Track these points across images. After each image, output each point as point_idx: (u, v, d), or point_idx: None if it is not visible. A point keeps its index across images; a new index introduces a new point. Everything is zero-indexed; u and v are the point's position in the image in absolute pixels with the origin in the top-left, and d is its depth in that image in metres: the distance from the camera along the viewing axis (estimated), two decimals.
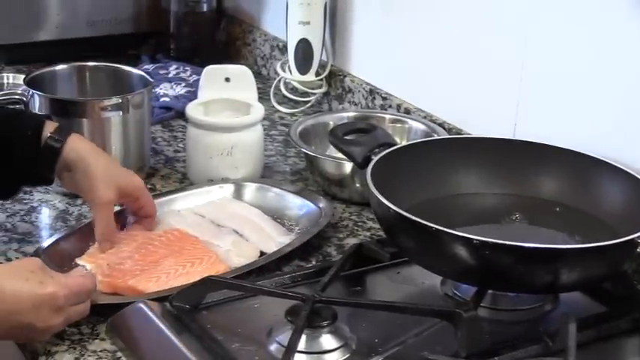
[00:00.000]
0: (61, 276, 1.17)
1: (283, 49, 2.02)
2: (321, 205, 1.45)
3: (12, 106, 1.48)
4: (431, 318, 1.16)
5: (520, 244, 1.11)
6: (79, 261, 1.31)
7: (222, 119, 1.57)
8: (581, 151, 1.34)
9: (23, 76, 1.64)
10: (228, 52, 2.24)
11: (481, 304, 1.17)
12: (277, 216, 1.47)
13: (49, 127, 1.33)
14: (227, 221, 1.42)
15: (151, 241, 1.34)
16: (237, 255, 1.33)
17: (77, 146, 1.32)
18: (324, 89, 1.94)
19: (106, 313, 1.21)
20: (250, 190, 1.52)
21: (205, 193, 1.50)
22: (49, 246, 1.34)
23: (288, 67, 1.95)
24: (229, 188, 1.52)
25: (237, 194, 1.51)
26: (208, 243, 1.36)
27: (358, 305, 1.22)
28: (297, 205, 1.48)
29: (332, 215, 1.45)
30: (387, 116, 1.71)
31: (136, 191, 1.36)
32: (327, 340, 1.13)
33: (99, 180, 1.31)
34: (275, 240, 1.37)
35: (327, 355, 1.12)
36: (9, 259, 1.35)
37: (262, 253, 1.35)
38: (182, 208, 1.46)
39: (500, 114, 1.56)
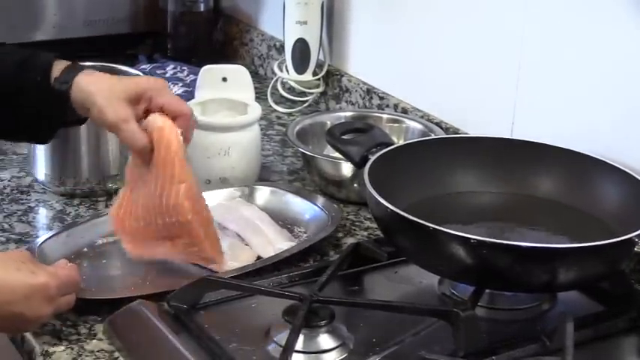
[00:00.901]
0: (50, 267, 1.17)
1: (280, 49, 2.02)
2: (333, 213, 1.43)
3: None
4: (428, 317, 1.16)
5: (517, 243, 1.11)
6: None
7: (219, 119, 1.57)
8: (579, 151, 1.34)
9: None
10: (225, 52, 2.24)
11: (479, 304, 1.17)
12: (288, 222, 1.45)
13: (57, 69, 1.29)
14: (232, 224, 1.41)
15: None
16: (231, 259, 1.32)
17: (83, 84, 1.27)
18: (321, 89, 1.94)
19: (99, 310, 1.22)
20: (263, 193, 1.51)
21: (218, 195, 1.49)
22: (41, 244, 1.34)
23: (286, 66, 1.95)
24: (243, 191, 1.51)
25: (250, 197, 1.50)
26: None
27: (356, 305, 1.22)
28: (307, 211, 1.46)
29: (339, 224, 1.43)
30: (385, 116, 1.71)
31: (144, 92, 1.28)
32: (325, 340, 1.13)
33: (104, 100, 1.25)
34: (274, 246, 1.36)
35: (324, 355, 1.12)
36: None
37: (260, 258, 1.35)
38: None
39: (497, 113, 1.56)
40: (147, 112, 1.28)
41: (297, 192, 1.51)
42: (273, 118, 1.91)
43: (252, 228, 1.40)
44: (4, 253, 1.24)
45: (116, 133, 1.27)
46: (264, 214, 1.44)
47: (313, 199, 1.48)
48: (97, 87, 1.27)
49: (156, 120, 1.26)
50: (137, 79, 1.32)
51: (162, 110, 1.28)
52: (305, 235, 1.42)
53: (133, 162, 1.30)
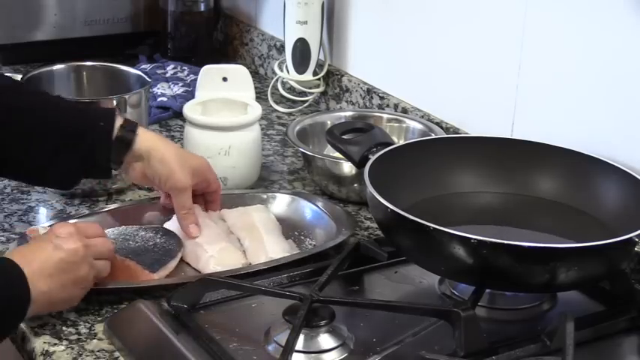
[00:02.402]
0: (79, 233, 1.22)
1: (281, 49, 2.02)
2: (343, 229, 1.40)
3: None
4: (429, 317, 1.16)
5: (518, 243, 1.11)
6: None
7: (219, 119, 1.57)
8: (579, 150, 1.34)
9: (21, 76, 1.64)
10: (225, 52, 2.24)
11: (479, 304, 1.17)
12: (303, 233, 1.43)
13: (119, 119, 1.35)
14: (238, 229, 1.41)
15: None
16: (216, 263, 1.32)
17: (147, 137, 1.35)
18: (321, 89, 1.94)
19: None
20: (284, 201, 1.50)
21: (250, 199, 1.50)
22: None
23: (286, 66, 1.95)
24: (265, 197, 1.50)
25: (271, 204, 1.49)
26: (198, 245, 1.35)
27: (356, 305, 1.22)
28: (321, 224, 1.44)
29: (347, 240, 1.38)
30: (385, 116, 1.71)
31: (206, 172, 1.40)
32: (325, 340, 1.13)
33: (176, 166, 1.35)
34: (267, 254, 1.35)
35: (324, 355, 1.12)
36: None
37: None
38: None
39: (497, 113, 1.56)
40: None
41: (317, 203, 1.48)
42: (274, 118, 1.91)
43: (253, 236, 1.39)
44: (40, 236, 1.26)
45: (173, 195, 1.37)
46: (272, 223, 1.42)
47: (331, 212, 1.45)
48: (166, 146, 1.36)
49: None
50: (200, 157, 1.41)
51: (209, 188, 1.41)
52: (312, 246, 1.40)
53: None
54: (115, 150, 1.34)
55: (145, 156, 1.35)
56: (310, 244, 1.41)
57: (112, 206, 1.47)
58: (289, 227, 1.44)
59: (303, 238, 1.42)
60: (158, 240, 1.37)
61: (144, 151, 1.35)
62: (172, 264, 1.33)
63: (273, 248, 1.36)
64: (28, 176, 1.40)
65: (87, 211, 1.47)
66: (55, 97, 1.41)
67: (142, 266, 1.30)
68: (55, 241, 1.18)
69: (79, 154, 1.33)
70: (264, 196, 1.50)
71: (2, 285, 1.13)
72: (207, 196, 1.43)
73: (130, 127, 1.34)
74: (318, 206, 1.47)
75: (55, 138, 1.32)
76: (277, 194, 1.51)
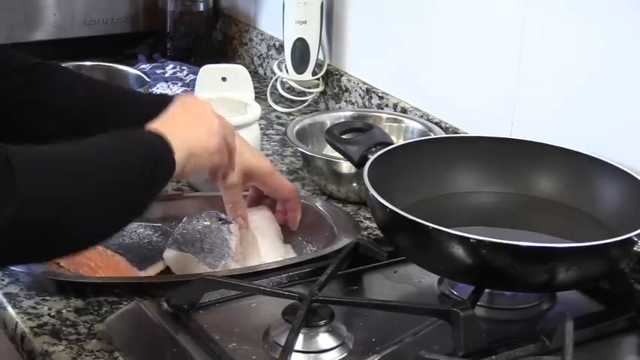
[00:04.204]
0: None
1: (280, 49, 2.02)
2: (345, 237, 1.37)
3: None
4: (428, 317, 1.16)
5: (517, 242, 1.11)
6: None
7: None
8: (578, 150, 1.34)
9: None
10: (224, 52, 2.24)
11: (478, 303, 1.17)
12: (307, 238, 1.42)
13: None
14: (235, 229, 1.40)
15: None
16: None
17: None
18: (320, 88, 1.94)
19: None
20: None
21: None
22: None
23: (285, 66, 1.95)
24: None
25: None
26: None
27: (355, 304, 1.22)
28: (326, 230, 1.42)
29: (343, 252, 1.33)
30: (384, 115, 1.71)
31: (265, 176, 1.39)
32: (324, 340, 1.13)
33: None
34: (261, 259, 1.34)
35: (324, 355, 1.12)
36: None
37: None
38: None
39: (497, 113, 1.56)
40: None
41: (325, 208, 1.46)
42: (273, 118, 1.91)
43: (249, 238, 1.38)
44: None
45: (222, 192, 1.37)
46: (271, 227, 1.40)
47: (338, 218, 1.44)
48: None
49: None
50: (262, 160, 1.40)
51: (274, 193, 1.41)
52: (311, 250, 1.40)
53: None
54: None
55: None
56: (311, 250, 1.40)
57: None
58: (290, 232, 1.43)
59: (305, 243, 1.41)
60: (155, 238, 1.37)
61: None
62: (163, 263, 1.33)
63: (268, 253, 1.35)
64: None
65: None
66: (127, 89, 1.44)
67: (130, 262, 1.30)
68: (182, 103, 1.25)
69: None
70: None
71: (145, 145, 1.17)
72: (284, 204, 1.42)
73: None
74: (319, 209, 1.46)
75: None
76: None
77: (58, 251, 1.13)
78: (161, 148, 1.16)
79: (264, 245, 1.37)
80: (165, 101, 1.34)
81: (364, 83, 1.85)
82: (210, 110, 1.26)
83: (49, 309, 1.25)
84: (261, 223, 1.40)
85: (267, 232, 1.39)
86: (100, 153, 1.13)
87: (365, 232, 1.46)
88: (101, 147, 1.14)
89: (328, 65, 1.94)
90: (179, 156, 1.17)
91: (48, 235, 1.05)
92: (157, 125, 1.18)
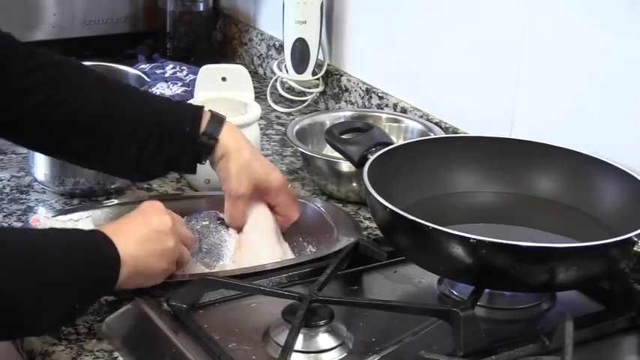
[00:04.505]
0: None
1: (280, 49, 2.02)
2: (344, 236, 1.37)
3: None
4: (428, 317, 1.16)
5: (517, 242, 1.11)
6: None
7: None
8: (578, 150, 1.34)
9: None
10: (224, 52, 2.24)
11: (478, 303, 1.17)
12: (307, 239, 1.41)
13: (205, 120, 1.36)
14: (233, 231, 1.40)
15: None
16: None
17: (226, 142, 1.36)
18: (320, 88, 1.94)
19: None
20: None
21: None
22: None
23: (285, 66, 1.95)
24: None
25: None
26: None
27: (355, 304, 1.22)
28: (326, 231, 1.41)
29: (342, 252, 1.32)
30: (384, 115, 1.71)
31: (272, 190, 1.39)
32: (324, 340, 1.13)
33: (233, 175, 1.35)
34: (257, 258, 1.32)
35: (324, 355, 1.12)
36: None
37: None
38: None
39: (496, 113, 1.56)
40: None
41: (325, 208, 1.46)
42: (273, 118, 1.91)
43: (244, 236, 1.38)
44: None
45: (225, 200, 1.37)
46: (268, 224, 1.39)
47: (338, 218, 1.43)
48: (239, 151, 1.36)
49: None
50: (273, 174, 1.39)
51: (278, 209, 1.40)
52: (310, 252, 1.39)
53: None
54: (197, 154, 1.36)
55: (218, 160, 1.36)
56: (311, 250, 1.39)
57: (114, 201, 1.47)
58: (290, 232, 1.43)
59: (306, 244, 1.41)
60: None
61: (218, 156, 1.36)
62: None
63: (264, 250, 1.35)
64: (110, 170, 1.43)
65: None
66: (142, 93, 1.43)
67: None
68: (144, 214, 1.21)
69: (165, 156, 1.35)
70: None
71: (93, 249, 1.14)
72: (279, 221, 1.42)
73: (213, 131, 1.35)
74: (319, 209, 1.46)
75: (143, 138, 1.34)
76: None
77: None
78: (106, 262, 1.15)
79: (261, 242, 1.36)
80: (176, 109, 1.36)
81: (364, 83, 1.85)
82: (168, 228, 1.21)
83: None
84: (259, 220, 1.39)
85: (265, 229, 1.38)
86: (42, 254, 1.11)
87: (365, 232, 1.46)
88: (45, 247, 1.12)
89: (328, 65, 1.94)
90: (124, 271, 1.16)
91: None
92: (111, 231, 1.16)
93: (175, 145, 1.34)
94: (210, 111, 1.38)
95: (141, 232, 1.19)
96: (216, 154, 1.35)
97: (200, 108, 1.38)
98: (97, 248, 1.14)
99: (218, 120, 1.37)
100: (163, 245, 1.20)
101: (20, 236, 1.15)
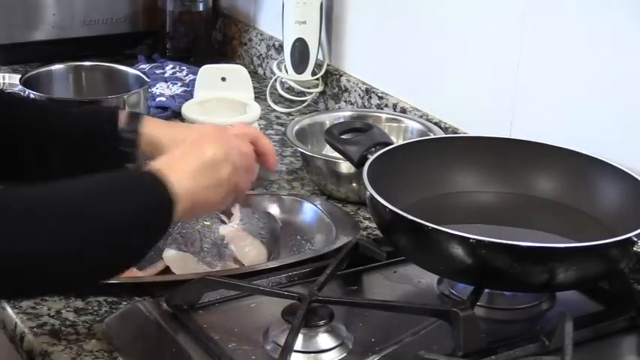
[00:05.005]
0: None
1: (279, 49, 2.02)
2: (343, 236, 1.37)
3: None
4: (427, 317, 1.16)
5: (516, 242, 1.11)
6: None
7: (218, 119, 1.57)
8: (578, 150, 1.34)
9: (19, 76, 1.65)
10: (224, 52, 2.24)
11: (478, 303, 1.17)
12: (305, 237, 1.42)
13: (122, 118, 1.30)
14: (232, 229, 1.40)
15: None
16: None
17: (151, 134, 1.29)
18: (320, 88, 1.94)
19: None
20: (284, 204, 1.48)
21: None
22: None
23: (284, 66, 1.95)
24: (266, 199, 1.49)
25: (270, 207, 1.47)
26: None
27: (355, 304, 1.22)
28: (321, 230, 1.42)
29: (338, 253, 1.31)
30: (384, 115, 1.71)
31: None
32: (324, 340, 1.12)
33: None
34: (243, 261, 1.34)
35: (323, 355, 1.12)
36: None
37: None
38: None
39: (496, 113, 1.56)
40: None
41: (325, 207, 1.46)
42: (272, 118, 1.91)
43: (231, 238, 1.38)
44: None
45: None
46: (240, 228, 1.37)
47: (337, 218, 1.43)
48: (167, 135, 1.28)
49: None
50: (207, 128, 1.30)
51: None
52: (309, 250, 1.39)
53: None
54: (125, 151, 1.30)
55: (155, 151, 1.28)
56: (310, 249, 1.40)
57: None
58: (289, 231, 1.43)
59: (304, 242, 1.41)
60: None
61: (149, 152, 1.29)
62: (162, 263, 1.33)
63: (249, 254, 1.35)
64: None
65: None
66: (61, 103, 1.40)
67: None
68: (197, 144, 1.16)
69: (92, 162, 1.30)
70: (264, 198, 1.50)
71: (150, 191, 1.10)
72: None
73: (131, 127, 1.29)
74: (318, 208, 1.46)
75: (69, 149, 1.30)
76: (276, 196, 1.50)
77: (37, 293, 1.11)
78: (163, 202, 1.09)
79: (239, 247, 1.36)
80: (93, 114, 1.31)
81: (364, 83, 1.85)
82: (221, 157, 1.16)
83: (49, 309, 1.25)
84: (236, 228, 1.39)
85: (250, 237, 1.37)
86: (91, 202, 1.06)
87: (364, 232, 1.46)
88: (94, 194, 1.07)
89: (328, 65, 1.94)
90: (180, 208, 1.10)
91: (19, 287, 1.02)
92: (164, 167, 1.11)
93: (99, 150, 1.29)
94: (129, 110, 1.32)
95: (194, 165, 1.13)
96: (144, 150, 1.29)
97: (116, 108, 1.33)
98: (153, 190, 1.09)
99: (135, 115, 1.31)
100: (218, 176, 1.15)
101: (74, 185, 1.08)
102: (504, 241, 1.11)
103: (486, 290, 1.20)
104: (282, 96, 1.97)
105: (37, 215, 1.01)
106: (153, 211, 1.09)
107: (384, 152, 1.32)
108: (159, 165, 1.12)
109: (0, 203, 1.00)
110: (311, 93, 1.95)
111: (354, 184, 1.53)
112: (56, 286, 1.08)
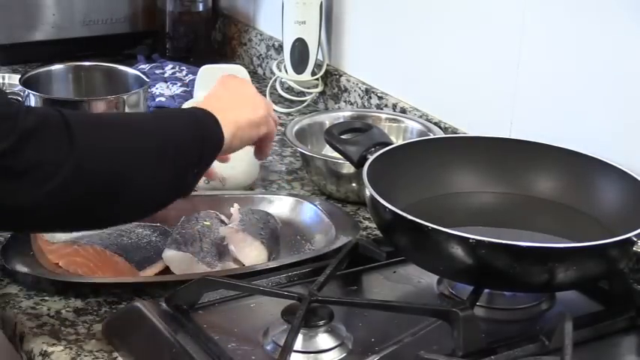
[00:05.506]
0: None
1: (279, 49, 2.02)
2: (343, 236, 1.37)
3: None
4: (427, 317, 1.16)
5: (516, 243, 1.11)
6: None
7: None
8: (577, 150, 1.34)
9: (19, 76, 1.64)
10: (223, 52, 2.24)
11: (477, 303, 1.17)
12: (304, 237, 1.42)
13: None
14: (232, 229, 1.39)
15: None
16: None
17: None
18: (320, 89, 1.94)
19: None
20: (284, 204, 1.48)
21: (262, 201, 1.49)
22: None
23: (284, 66, 1.95)
24: (267, 199, 1.49)
25: (270, 208, 1.47)
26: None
27: (354, 304, 1.22)
28: (321, 230, 1.42)
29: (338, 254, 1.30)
30: (383, 115, 1.71)
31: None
32: (324, 340, 1.13)
33: None
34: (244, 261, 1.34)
35: (323, 355, 1.12)
36: None
37: None
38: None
39: (496, 113, 1.56)
40: None
41: (324, 207, 1.46)
42: None
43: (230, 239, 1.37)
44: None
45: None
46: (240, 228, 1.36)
47: (337, 218, 1.43)
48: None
49: None
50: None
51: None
52: (309, 250, 1.39)
53: None
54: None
55: None
56: (310, 249, 1.40)
57: None
58: (289, 231, 1.43)
59: (304, 242, 1.41)
60: (153, 238, 1.37)
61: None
62: (162, 263, 1.33)
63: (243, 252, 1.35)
64: None
65: None
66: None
67: (129, 263, 1.30)
68: (251, 102, 1.28)
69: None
70: (264, 198, 1.50)
71: (199, 111, 1.21)
72: None
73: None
74: (318, 208, 1.46)
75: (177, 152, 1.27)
76: (276, 197, 1.51)
77: (114, 211, 1.13)
78: (209, 122, 1.20)
79: (238, 247, 1.35)
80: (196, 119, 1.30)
81: (363, 83, 1.85)
82: (250, 87, 1.31)
83: (49, 309, 1.25)
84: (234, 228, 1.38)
85: (248, 237, 1.37)
86: (152, 119, 1.20)
87: (364, 232, 1.46)
88: (154, 116, 1.24)
89: (327, 65, 1.94)
90: (226, 130, 1.20)
91: (108, 189, 1.08)
92: (201, 104, 1.22)
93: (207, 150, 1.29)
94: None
95: (227, 96, 1.27)
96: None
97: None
98: (196, 118, 1.20)
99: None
100: (252, 99, 1.28)
101: (129, 117, 1.23)
102: (504, 241, 1.11)
103: (486, 290, 1.20)
104: (281, 96, 1.97)
105: (123, 133, 1.14)
106: (204, 131, 1.19)
107: (383, 152, 1.32)
108: (199, 104, 1.24)
109: (92, 121, 1.14)
110: (311, 93, 1.95)
111: (353, 184, 1.52)
112: (140, 183, 1.13)
